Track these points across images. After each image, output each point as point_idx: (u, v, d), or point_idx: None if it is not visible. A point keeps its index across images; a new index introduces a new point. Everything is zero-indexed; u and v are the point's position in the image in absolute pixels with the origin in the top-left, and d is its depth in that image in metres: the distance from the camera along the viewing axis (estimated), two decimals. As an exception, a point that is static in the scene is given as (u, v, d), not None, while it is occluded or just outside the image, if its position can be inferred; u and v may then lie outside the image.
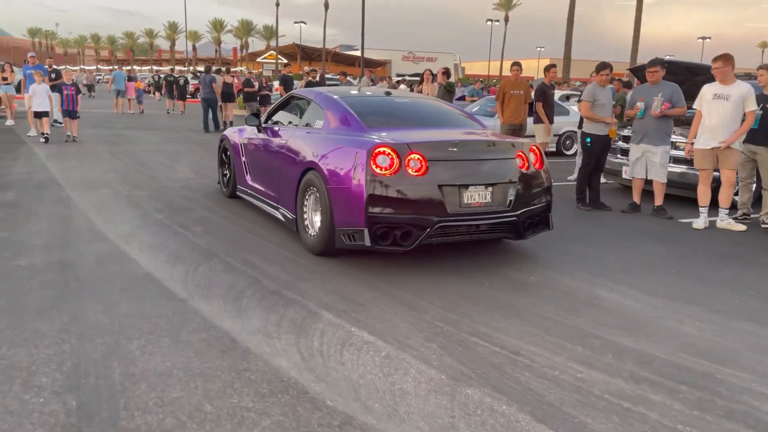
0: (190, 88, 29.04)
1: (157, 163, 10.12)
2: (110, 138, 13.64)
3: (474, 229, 4.69)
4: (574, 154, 12.08)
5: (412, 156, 4.45)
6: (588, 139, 7.36)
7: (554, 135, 12.20)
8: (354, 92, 6.13)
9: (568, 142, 12.95)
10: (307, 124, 5.72)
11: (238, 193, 6.98)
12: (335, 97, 5.63)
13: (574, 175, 9.52)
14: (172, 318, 3.54)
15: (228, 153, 7.27)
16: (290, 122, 6.13)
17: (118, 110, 21.75)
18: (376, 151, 4.43)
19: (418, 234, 4.46)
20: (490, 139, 4.94)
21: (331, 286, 4.21)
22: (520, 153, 4.92)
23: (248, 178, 6.62)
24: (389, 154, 4.43)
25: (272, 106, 6.97)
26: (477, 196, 4.61)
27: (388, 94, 6.05)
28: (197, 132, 15.83)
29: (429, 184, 4.45)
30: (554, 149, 12.66)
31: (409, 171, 4.43)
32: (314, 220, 5.03)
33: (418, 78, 23.53)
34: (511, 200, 4.75)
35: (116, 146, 12.15)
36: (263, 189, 6.15)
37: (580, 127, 9.02)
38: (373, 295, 4.05)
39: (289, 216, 5.44)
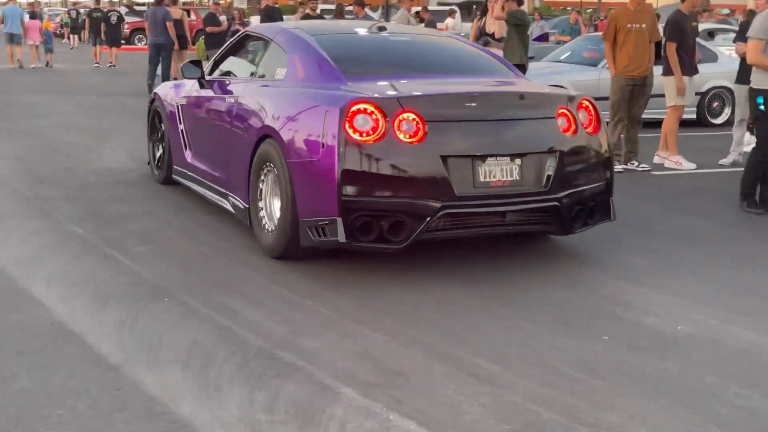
0: (126, 29, 29.38)
1: (75, 145, 10.22)
2: (3, 108, 13.84)
3: (496, 218, 5.02)
4: (726, 123, 11.86)
5: (405, 115, 4.74)
6: (760, 100, 7.14)
7: (696, 93, 11.91)
8: (332, 28, 6.72)
9: (716, 105, 12.83)
10: (264, 75, 6.22)
11: (174, 176, 7.36)
12: (304, 35, 6.06)
13: (730, 158, 9.39)
14: (98, 398, 3.51)
15: (161, 119, 7.61)
16: (248, 72, 6.60)
17: (15, 64, 22.14)
18: (354, 108, 4.73)
19: (413, 225, 4.74)
20: (518, 90, 5.28)
21: (353, 343, 4.15)
22: (564, 110, 5.15)
23: (188, 154, 7.01)
24: (372, 112, 4.72)
25: (220, 50, 7.43)
26: (499, 172, 4.89)
27: (381, 29, 6.52)
28: (138, 94, 15.92)
29: (428, 154, 4.76)
30: (694, 115, 12.39)
31: (401, 136, 4.73)
32: (273, 208, 5.40)
33: (476, 7, 23.46)
34: (549, 177, 5.03)
35: (13, 121, 12.32)
36: (207, 169, 6.51)
37: (740, 81, 8.79)
38: (421, 358, 3.98)
39: (240, 206, 5.80)
